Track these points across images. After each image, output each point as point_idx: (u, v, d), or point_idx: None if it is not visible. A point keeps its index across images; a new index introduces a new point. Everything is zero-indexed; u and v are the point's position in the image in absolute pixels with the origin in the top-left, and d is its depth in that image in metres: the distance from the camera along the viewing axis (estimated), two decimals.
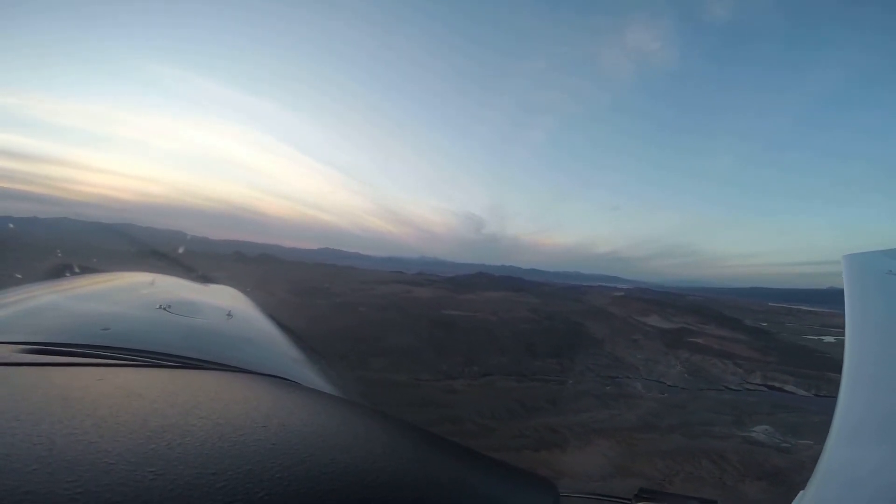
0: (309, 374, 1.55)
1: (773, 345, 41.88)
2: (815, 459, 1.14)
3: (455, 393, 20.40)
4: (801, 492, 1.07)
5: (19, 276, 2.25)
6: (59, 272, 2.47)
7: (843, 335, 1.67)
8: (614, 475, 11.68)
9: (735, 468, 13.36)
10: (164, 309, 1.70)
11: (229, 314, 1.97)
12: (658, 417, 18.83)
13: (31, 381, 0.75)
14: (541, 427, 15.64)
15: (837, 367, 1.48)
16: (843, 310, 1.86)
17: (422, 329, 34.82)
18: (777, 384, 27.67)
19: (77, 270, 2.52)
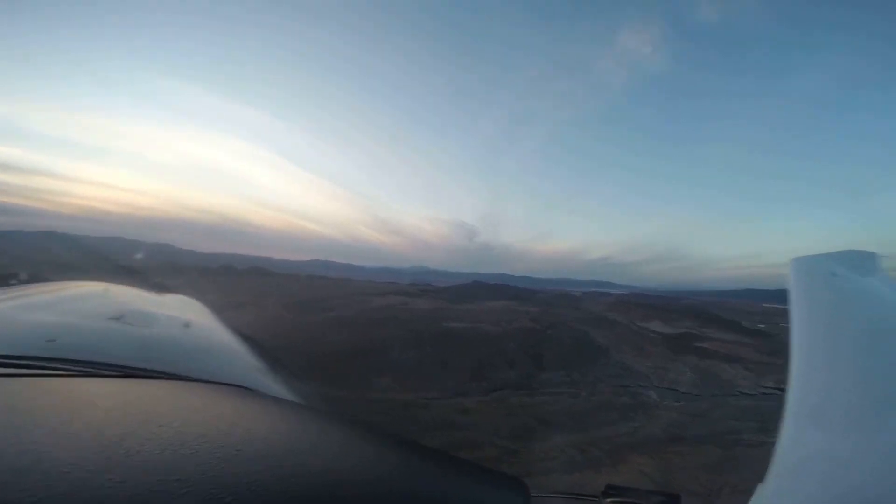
0: (270, 383, 1.50)
1: (776, 346, 41.45)
2: None
3: (468, 412, 19.34)
4: (759, 485, 1.16)
5: None
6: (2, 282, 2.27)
7: None
8: (661, 487, 10.75)
9: None
10: (117, 320, 1.66)
11: (186, 324, 1.93)
12: (683, 428, 17.98)
13: None
14: (566, 446, 14.67)
15: None
16: None
17: (425, 343, 33.72)
18: None
19: (22, 280, 2.34)
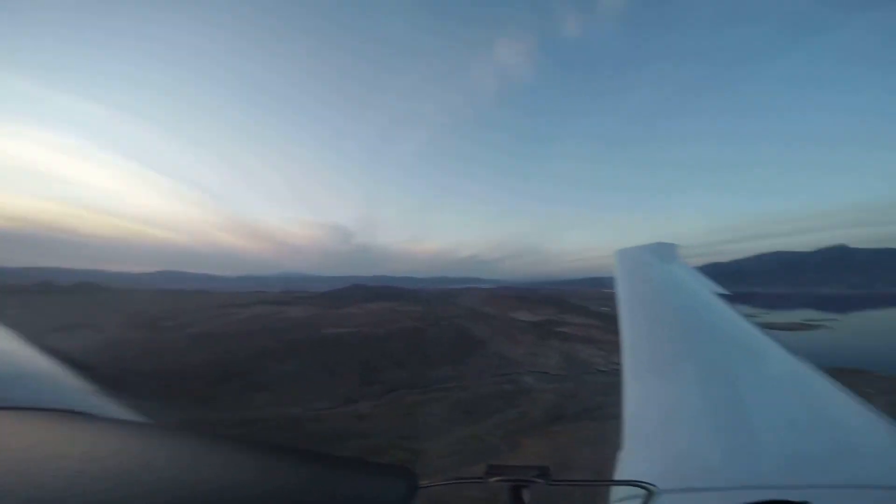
0: (106, 406, 1.37)
1: (618, 326, 48.71)
2: None
3: (364, 418, 18.88)
4: (619, 451, 1.35)
5: None
6: None
7: None
8: (558, 471, 11.83)
9: None
10: None
11: None
12: (561, 408, 19.93)
13: None
14: (466, 438, 15.29)
15: None
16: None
17: (305, 353, 31.93)
18: None
19: None
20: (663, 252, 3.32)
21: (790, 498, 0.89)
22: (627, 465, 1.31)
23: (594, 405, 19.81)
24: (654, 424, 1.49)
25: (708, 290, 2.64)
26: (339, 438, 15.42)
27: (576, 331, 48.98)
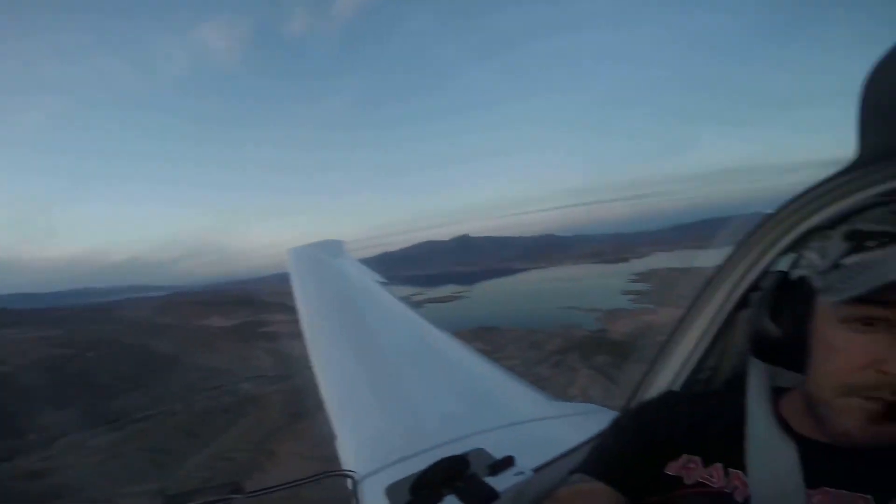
0: None
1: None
2: None
3: (38, 476, 13.21)
4: (336, 441, 1.44)
5: None
6: None
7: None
8: (328, 463, 11.88)
9: None
10: None
11: None
12: (295, 405, 19.65)
13: None
14: (211, 462, 13.12)
15: None
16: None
17: None
18: None
19: None
20: (331, 248, 3.53)
21: (461, 447, 1.00)
22: (343, 455, 1.33)
23: None
24: (350, 411, 1.57)
25: (369, 279, 2.92)
26: None
27: (281, 328, 47.64)
